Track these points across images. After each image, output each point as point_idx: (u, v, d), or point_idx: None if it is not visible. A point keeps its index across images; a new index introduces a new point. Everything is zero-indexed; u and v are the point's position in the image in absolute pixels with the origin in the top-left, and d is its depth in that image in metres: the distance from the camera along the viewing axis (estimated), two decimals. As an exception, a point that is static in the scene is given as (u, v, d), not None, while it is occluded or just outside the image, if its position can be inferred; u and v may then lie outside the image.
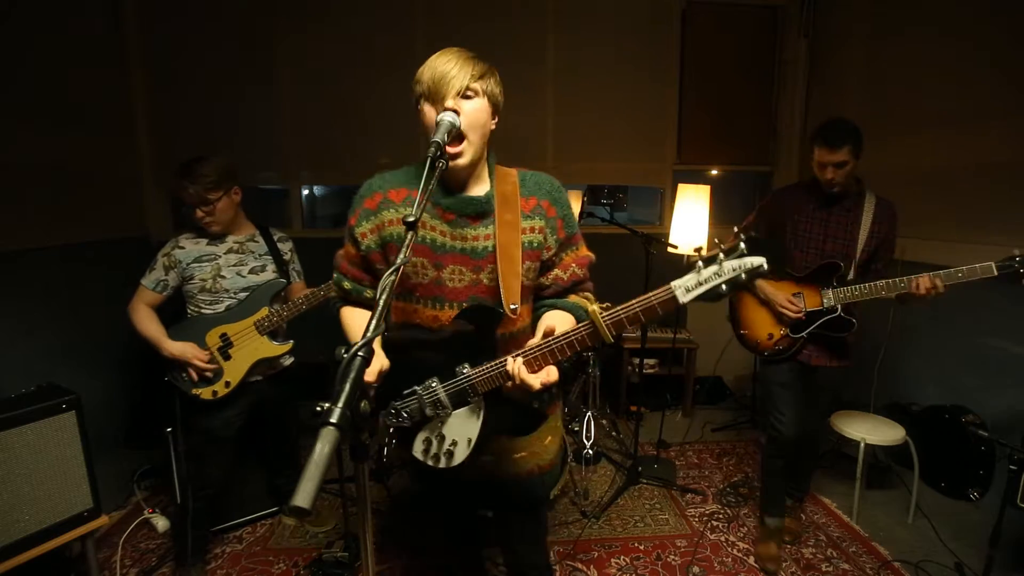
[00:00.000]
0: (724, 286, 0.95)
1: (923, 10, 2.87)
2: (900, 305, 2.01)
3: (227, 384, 2.08)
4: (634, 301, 1.04)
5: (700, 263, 0.96)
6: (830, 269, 2.10)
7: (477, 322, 1.20)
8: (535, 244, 1.27)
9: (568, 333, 1.09)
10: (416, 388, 1.23)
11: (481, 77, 1.15)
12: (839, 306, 2.08)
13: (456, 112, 1.10)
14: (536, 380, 1.09)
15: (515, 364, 1.10)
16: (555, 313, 1.31)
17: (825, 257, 2.12)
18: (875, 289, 1.98)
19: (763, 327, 2.24)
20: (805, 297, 2.14)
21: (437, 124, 1.09)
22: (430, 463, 1.25)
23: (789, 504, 2.46)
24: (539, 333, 1.16)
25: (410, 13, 3.63)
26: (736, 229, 1.00)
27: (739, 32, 3.95)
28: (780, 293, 2.17)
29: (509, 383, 1.12)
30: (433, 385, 1.21)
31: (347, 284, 1.34)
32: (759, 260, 0.93)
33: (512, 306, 1.19)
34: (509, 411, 1.21)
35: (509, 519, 1.52)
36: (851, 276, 2.09)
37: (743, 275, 0.94)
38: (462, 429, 1.22)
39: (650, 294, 1.03)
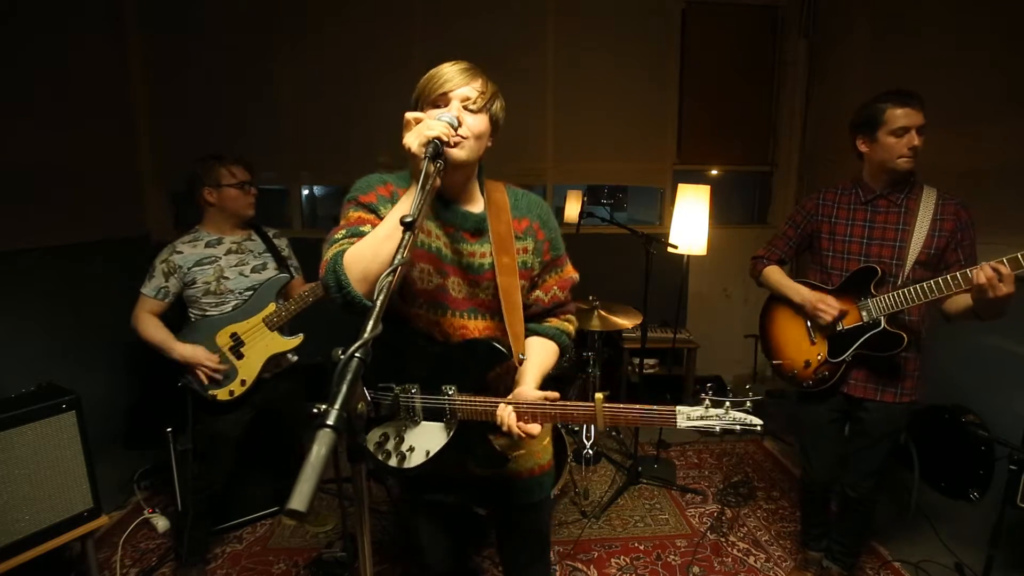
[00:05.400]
0: (718, 429, 1.07)
1: (923, 10, 2.87)
2: (975, 319, 1.60)
3: (243, 383, 2.07)
4: (636, 408, 1.10)
5: (709, 402, 1.08)
6: (866, 275, 1.78)
7: (478, 354, 1.21)
8: (527, 264, 1.29)
9: (568, 406, 1.14)
10: (393, 386, 1.22)
11: (490, 96, 1.15)
12: (882, 318, 1.75)
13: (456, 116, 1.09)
14: (521, 430, 1.13)
15: (505, 411, 1.13)
16: (538, 343, 1.33)
17: (869, 263, 1.80)
18: (924, 292, 1.61)
19: (799, 352, 1.94)
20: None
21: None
22: (380, 457, 1.24)
23: (835, 571, 2.11)
24: (529, 372, 1.21)
25: (409, 13, 3.63)
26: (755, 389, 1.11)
27: (739, 32, 3.95)
28: (815, 293, 1.86)
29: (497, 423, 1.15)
30: (412, 392, 1.21)
31: (366, 228, 1.11)
32: (758, 423, 1.07)
33: (521, 356, 1.23)
34: (477, 444, 1.23)
35: (509, 527, 1.46)
36: (901, 282, 1.74)
37: (738, 427, 1.06)
38: (424, 439, 1.22)
39: (654, 408, 1.10)
